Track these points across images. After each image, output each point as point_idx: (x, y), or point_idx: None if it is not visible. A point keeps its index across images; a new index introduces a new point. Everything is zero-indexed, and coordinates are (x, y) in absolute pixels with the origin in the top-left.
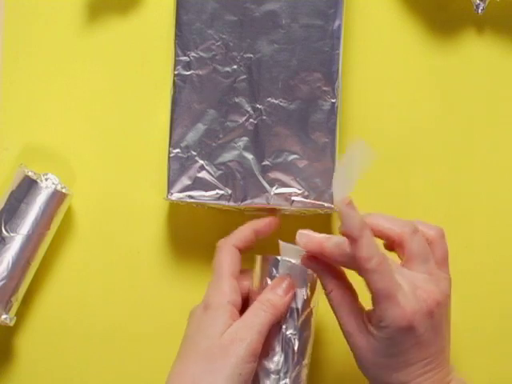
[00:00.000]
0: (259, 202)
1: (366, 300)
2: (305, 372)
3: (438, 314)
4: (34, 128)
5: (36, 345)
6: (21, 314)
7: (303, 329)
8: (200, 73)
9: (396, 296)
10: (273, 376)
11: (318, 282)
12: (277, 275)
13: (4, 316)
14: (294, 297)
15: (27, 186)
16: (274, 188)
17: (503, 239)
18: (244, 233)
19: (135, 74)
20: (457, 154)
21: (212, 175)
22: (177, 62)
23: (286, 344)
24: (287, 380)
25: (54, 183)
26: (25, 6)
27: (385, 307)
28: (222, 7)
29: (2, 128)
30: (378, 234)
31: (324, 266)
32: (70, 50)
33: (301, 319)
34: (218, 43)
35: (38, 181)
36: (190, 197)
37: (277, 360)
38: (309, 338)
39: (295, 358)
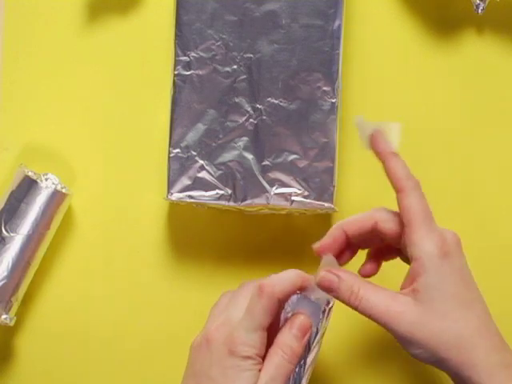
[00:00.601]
0: (259, 202)
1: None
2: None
3: (459, 258)
4: (33, 128)
5: (36, 345)
6: (21, 314)
7: (312, 363)
8: (200, 73)
9: (433, 220)
10: None
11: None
12: (290, 313)
13: (4, 316)
14: None
15: (27, 186)
16: (274, 188)
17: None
18: (292, 287)
19: (135, 74)
20: (457, 154)
21: (212, 175)
22: (177, 62)
23: (297, 380)
24: None
25: (54, 183)
26: (25, 6)
27: (424, 232)
28: (222, 7)
29: (2, 128)
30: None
31: (342, 275)
32: (70, 49)
33: (311, 354)
34: (218, 43)
35: (38, 181)
36: (190, 197)
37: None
38: (313, 366)
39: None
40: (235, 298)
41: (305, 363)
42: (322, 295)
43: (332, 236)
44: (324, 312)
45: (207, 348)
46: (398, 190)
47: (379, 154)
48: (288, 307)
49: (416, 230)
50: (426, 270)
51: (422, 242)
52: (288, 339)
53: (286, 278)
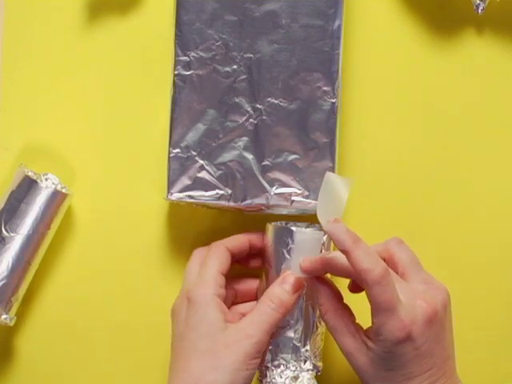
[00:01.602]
0: (259, 202)
1: (363, 318)
2: (321, 338)
3: (437, 324)
4: (34, 128)
5: (36, 345)
6: (21, 314)
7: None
8: (200, 73)
9: (396, 308)
10: (294, 343)
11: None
12: (292, 246)
13: (4, 316)
14: None
15: (27, 186)
16: (274, 188)
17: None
18: (239, 240)
19: (135, 74)
20: (457, 153)
21: (212, 175)
22: (177, 62)
23: (306, 313)
24: (308, 347)
25: (54, 183)
26: (25, 6)
27: (384, 320)
28: (222, 7)
29: (2, 128)
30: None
31: (321, 287)
32: (70, 49)
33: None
34: (218, 43)
35: (38, 181)
36: (190, 197)
37: (297, 328)
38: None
39: (314, 326)
40: (187, 267)
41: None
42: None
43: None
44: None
45: (172, 316)
46: (363, 282)
47: (339, 247)
48: (290, 242)
49: (377, 317)
50: (385, 352)
51: (383, 329)
52: (278, 291)
53: (235, 236)
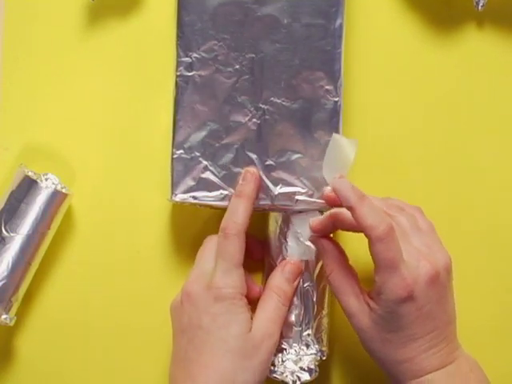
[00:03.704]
0: (263, 201)
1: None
2: (326, 321)
3: (440, 286)
4: (33, 128)
5: (36, 345)
6: (21, 314)
7: (319, 280)
8: (202, 73)
9: (399, 266)
10: (295, 328)
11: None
12: (289, 232)
13: (4, 316)
14: None
15: (27, 186)
16: (278, 187)
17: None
18: (248, 215)
19: (137, 75)
20: (458, 149)
21: (216, 176)
22: (179, 63)
23: (305, 296)
24: (309, 331)
25: (54, 183)
26: (25, 6)
27: (386, 278)
28: (223, 8)
29: (2, 128)
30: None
31: (327, 247)
32: (70, 50)
33: (316, 271)
34: (220, 44)
35: (38, 181)
36: (194, 197)
37: (298, 313)
38: (326, 287)
39: (315, 309)
40: (201, 253)
41: (312, 280)
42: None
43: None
44: None
45: (189, 302)
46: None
47: (344, 203)
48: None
49: (379, 274)
50: (388, 312)
51: (385, 287)
52: (280, 283)
53: (240, 211)
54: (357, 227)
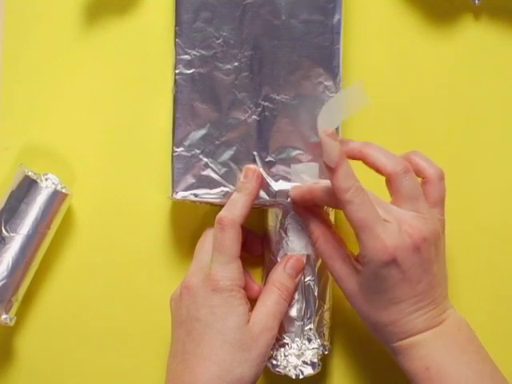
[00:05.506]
0: (264, 197)
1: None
2: (327, 315)
3: (425, 251)
4: (34, 128)
5: (36, 345)
6: (21, 314)
7: (321, 274)
8: (201, 71)
9: (374, 227)
10: (297, 323)
11: None
12: (288, 225)
13: (4, 316)
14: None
15: (27, 186)
16: (278, 184)
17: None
18: (246, 209)
19: (135, 73)
20: (457, 141)
21: (216, 173)
22: (178, 61)
23: (306, 291)
24: (311, 325)
25: (54, 183)
26: (25, 6)
27: (364, 239)
28: (221, 5)
29: (2, 128)
30: (372, 166)
31: (311, 214)
32: (70, 49)
33: (317, 265)
34: (219, 41)
35: (38, 181)
36: (195, 195)
37: (299, 307)
38: (327, 281)
39: (316, 303)
40: (200, 246)
41: (314, 275)
42: None
43: None
44: None
45: (188, 294)
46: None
47: (326, 160)
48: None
49: (357, 237)
50: (371, 273)
51: (365, 249)
52: (282, 278)
53: (238, 205)
54: (330, 202)
